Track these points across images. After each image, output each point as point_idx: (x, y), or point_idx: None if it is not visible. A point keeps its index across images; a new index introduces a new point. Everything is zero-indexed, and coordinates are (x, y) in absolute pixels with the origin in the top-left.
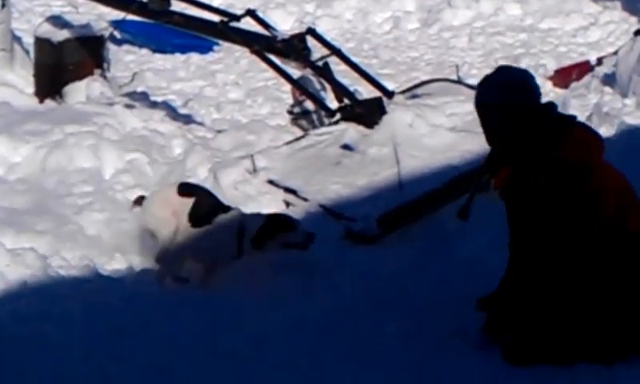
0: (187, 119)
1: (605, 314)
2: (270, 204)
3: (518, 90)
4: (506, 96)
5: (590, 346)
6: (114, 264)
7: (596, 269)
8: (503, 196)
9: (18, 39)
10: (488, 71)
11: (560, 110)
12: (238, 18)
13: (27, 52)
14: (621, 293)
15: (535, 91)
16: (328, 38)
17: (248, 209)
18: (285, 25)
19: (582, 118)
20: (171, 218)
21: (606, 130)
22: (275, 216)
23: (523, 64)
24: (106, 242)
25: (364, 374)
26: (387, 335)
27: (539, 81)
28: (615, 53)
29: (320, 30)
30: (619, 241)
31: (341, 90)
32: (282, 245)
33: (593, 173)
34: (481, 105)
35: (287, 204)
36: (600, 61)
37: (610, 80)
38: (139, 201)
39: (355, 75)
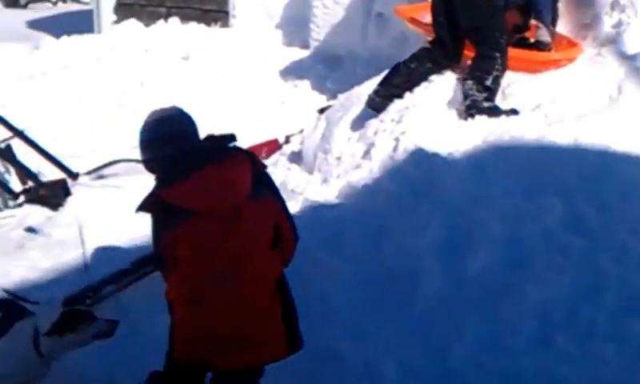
0: None
1: None
2: None
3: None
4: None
5: None
6: None
7: None
8: None
9: None
10: None
11: None
12: None
13: None
14: None
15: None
16: (15, 120)
17: None
18: None
19: None
20: None
21: (291, 207)
22: (69, 311)
23: None
24: None
25: None
26: None
27: None
28: (301, 131)
29: (6, 111)
30: None
31: (24, 173)
32: (93, 336)
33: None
34: None
35: None
36: (288, 139)
37: (296, 158)
38: None
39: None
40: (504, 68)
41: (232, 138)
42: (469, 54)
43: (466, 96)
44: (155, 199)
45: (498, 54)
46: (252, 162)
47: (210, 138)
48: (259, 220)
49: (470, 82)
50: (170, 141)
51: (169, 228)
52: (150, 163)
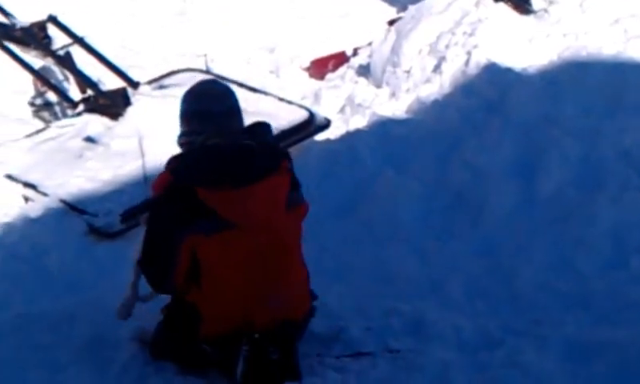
0: None
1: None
2: (8, 201)
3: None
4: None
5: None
6: None
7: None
8: None
9: None
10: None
11: (313, 101)
12: None
13: None
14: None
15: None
16: (75, 26)
17: None
18: (31, 12)
19: (335, 108)
20: None
21: (358, 121)
22: None
23: (280, 53)
24: None
25: None
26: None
27: (295, 71)
28: (370, 43)
29: (66, 17)
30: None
31: (84, 81)
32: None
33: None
34: None
35: (26, 199)
36: (356, 51)
37: (364, 71)
38: None
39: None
40: None
41: (268, 128)
42: None
43: None
44: (185, 191)
45: None
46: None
47: (252, 130)
48: (294, 231)
49: None
50: (219, 119)
51: (194, 232)
52: (188, 136)
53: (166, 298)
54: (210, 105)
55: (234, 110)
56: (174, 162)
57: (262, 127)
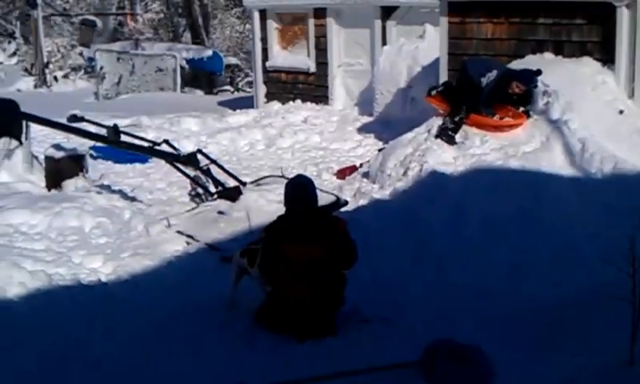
0: (133, 199)
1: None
2: (177, 244)
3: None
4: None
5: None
6: (90, 277)
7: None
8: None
9: (35, 157)
10: (302, 171)
11: (339, 191)
12: (159, 144)
13: (41, 164)
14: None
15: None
16: (212, 154)
17: (165, 248)
18: (189, 147)
19: (350, 195)
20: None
21: (362, 202)
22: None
23: (321, 167)
24: (85, 264)
25: None
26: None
27: (329, 175)
28: (369, 160)
29: (207, 150)
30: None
31: (217, 182)
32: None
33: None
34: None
35: (187, 243)
36: (361, 164)
37: (366, 175)
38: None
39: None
40: (467, 116)
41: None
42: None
43: (442, 122)
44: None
45: (464, 107)
46: (334, 233)
47: (314, 210)
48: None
49: (447, 116)
50: (301, 203)
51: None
52: (285, 205)
53: None
54: (296, 194)
55: (312, 198)
56: (272, 222)
57: (322, 209)
